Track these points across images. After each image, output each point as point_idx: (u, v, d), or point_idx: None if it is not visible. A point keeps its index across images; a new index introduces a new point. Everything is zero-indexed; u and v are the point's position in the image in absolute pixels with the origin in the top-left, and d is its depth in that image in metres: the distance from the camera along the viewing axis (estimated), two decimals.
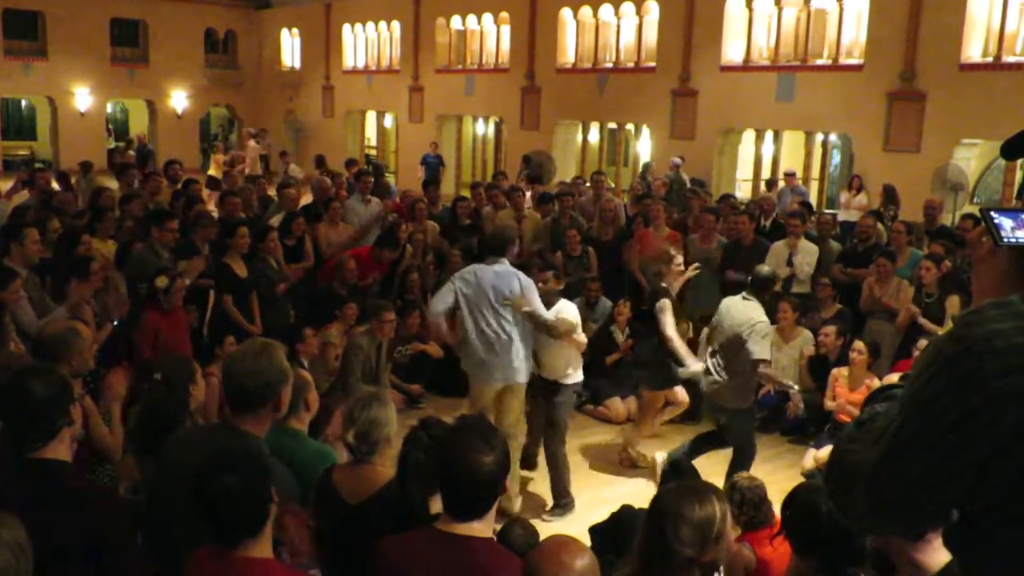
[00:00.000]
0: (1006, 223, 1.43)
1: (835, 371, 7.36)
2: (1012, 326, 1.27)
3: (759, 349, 5.89)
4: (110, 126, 30.75)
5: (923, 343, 6.78)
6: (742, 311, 6.02)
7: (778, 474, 6.89)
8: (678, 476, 4.57)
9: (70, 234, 7.72)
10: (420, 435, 3.12)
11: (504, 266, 5.96)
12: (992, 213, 1.45)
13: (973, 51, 14.21)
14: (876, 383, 6.79)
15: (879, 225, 9.66)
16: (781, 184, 15.47)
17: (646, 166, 18.42)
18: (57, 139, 27.89)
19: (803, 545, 2.90)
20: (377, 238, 9.17)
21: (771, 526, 4.06)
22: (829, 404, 7.29)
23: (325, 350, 7.32)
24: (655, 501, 2.54)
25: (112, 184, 11.80)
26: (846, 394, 7.14)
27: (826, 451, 6.65)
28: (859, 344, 7.18)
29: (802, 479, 6.65)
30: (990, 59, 14.08)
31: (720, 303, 6.36)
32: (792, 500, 3.03)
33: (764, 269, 6.37)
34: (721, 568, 2.50)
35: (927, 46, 14.46)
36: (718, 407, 6.30)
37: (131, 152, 22.09)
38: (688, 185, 14.04)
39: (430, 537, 2.51)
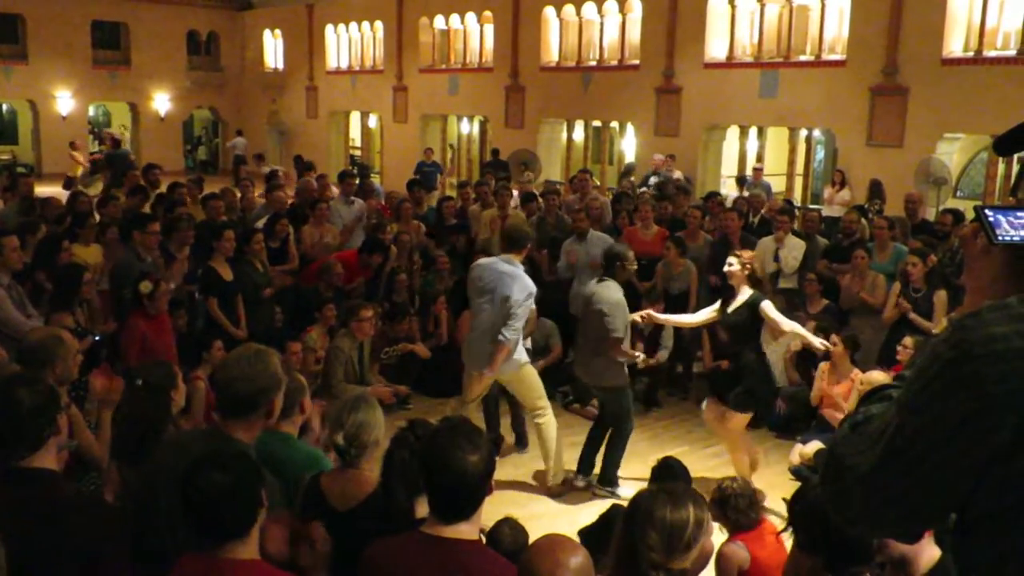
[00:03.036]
0: (1001, 221, 1.42)
1: (821, 365, 7.39)
2: (1011, 329, 1.25)
3: (613, 325, 6.20)
4: (95, 129, 30.56)
5: (908, 340, 6.80)
6: (600, 292, 6.33)
7: (766, 470, 6.91)
8: (670, 475, 4.56)
9: (51, 240, 7.66)
10: (407, 435, 3.11)
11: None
12: (987, 211, 1.43)
13: (955, 46, 14.28)
14: (859, 376, 6.82)
15: (863, 220, 9.71)
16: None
17: (629, 167, 18.52)
18: (39, 143, 27.70)
19: (809, 543, 2.90)
20: (363, 244, 9.13)
21: (759, 526, 4.08)
22: (815, 398, 7.32)
23: (304, 355, 7.29)
24: (632, 502, 2.54)
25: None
26: (830, 388, 7.16)
27: (812, 446, 6.69)
28: (834, 336, 7.20)
29: (789, 475, 6.69)
30: (971, 54, 14.15)
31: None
32: (799, 498, 3.03)
33: (611, 248, 6.76)
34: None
35: (909, 41, 14.53)
36: (594, 386, 6.74)
37: (101, 151, 22.03)
38: (680, 181, 14.17)
39: (417, 541, 2.51)
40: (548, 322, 8.49)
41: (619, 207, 10.48)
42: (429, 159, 20.18)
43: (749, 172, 16.85)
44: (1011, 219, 1.42)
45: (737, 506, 4.01)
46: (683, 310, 8.02)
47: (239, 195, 10.82)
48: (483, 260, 6.55)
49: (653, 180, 14.89)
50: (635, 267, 6.72)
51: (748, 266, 6.22)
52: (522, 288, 6.07)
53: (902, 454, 1.32)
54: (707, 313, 6.61)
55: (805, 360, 7.81)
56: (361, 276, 8.90)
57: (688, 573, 2.38)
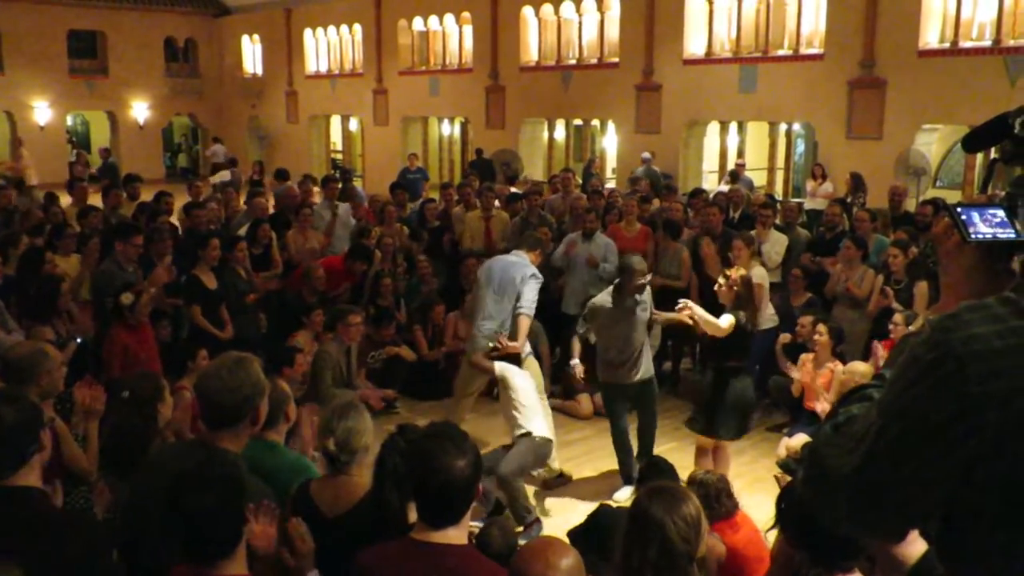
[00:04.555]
0: (974, 218, 1.42)
1: (802, 356, 7.41)
2: (990, 330, 1.25)
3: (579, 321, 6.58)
4: (73, 139, 30.34)
5: (898, 317, 6.81)
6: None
7: (754, 464, 6.95)
8: (658, 473, 4.57)
9: (34, 252, 7.61)
10: (397, 440, 3.10)
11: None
12: (959, 209, 1.44)
13: (931, 37, 14.39)
14: (839, 367, 6.85)
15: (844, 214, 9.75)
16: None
17: (589, 162, 18.60)
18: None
19: (798, 539, 2.91)
20: (349, 250, 9.09)
21: (733, 515, 4.10)
22: (796, 389, 7.34)
23: None
24: (638, 507, 2.56)
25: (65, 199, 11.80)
26: (811, 378, 7.18)
27: (798, 439, 6.71)
28: (820, 327, 7.22)
29: (777, 468, 6.71)
30: (947, 45, 14.26)
31: None
32: (787, 494, 3.04)
33: (626, 259, 6.60)
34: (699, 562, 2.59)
35: (885, 33, 14.63)
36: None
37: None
38: (662, 179, 14.24)
39: (406, 547, 2.51)
40: (535, 322, 8.43)
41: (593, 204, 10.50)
42: (413, 166, 18.71)
43: (731, 167, 16.95)
44: (984, 216, 1.43)
45: (714, 495, 4.04)
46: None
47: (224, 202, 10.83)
48: (495, 258, 7.07)
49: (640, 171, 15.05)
50: (643, 282, 6.44)
51: (734, 286, 5.98)
52: (530, 270, 6.56)
53: (885, 455, 1.32)
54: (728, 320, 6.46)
55: (796, 353, 7.83)
56: (347, 282, 8.87)
57: (702, 556, 2.62)
